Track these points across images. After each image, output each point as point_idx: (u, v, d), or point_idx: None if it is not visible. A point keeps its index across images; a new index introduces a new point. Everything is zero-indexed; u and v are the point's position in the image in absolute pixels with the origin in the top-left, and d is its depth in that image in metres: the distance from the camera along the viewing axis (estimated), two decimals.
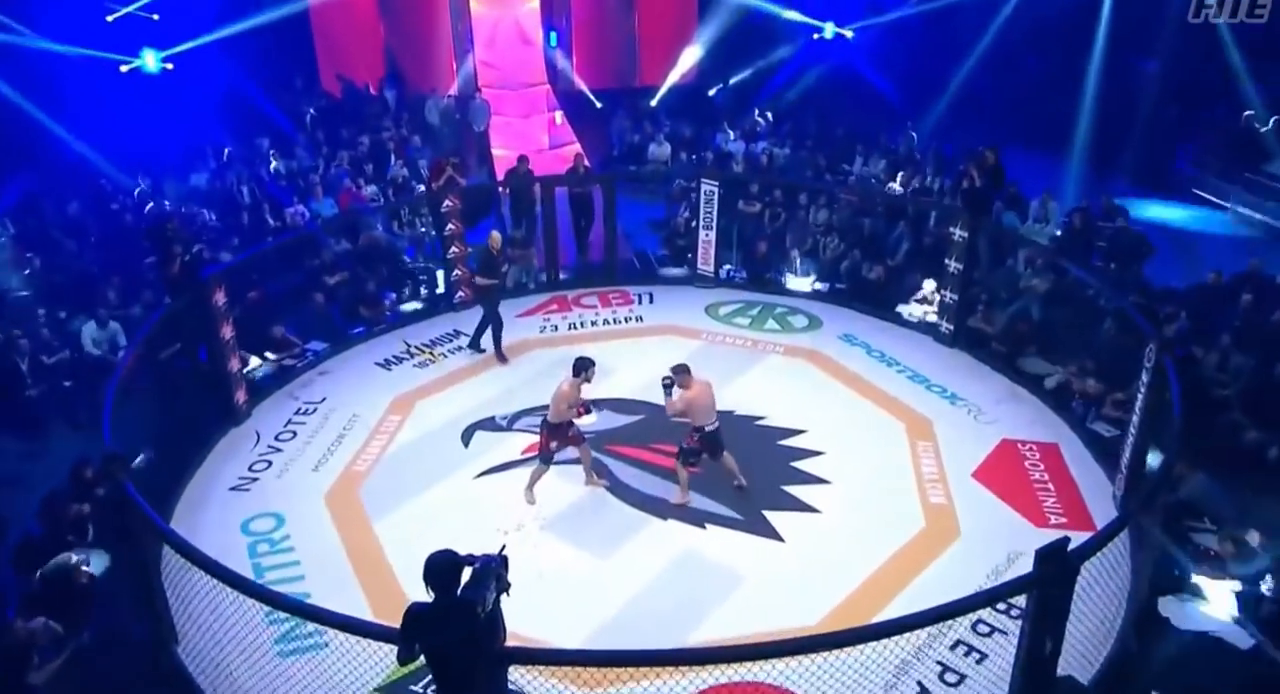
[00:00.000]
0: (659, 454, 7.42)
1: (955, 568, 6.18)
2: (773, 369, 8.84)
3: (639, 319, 9.94)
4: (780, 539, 6.54)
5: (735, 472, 6.72)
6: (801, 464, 7.38)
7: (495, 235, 8.87)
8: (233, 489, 7.21)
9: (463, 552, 3.90)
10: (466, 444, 7.70)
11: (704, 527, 6.69)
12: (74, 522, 6.23)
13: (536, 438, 7.02)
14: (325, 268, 9.94)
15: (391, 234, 11.17)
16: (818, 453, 7.50)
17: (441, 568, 3.77)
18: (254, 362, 8.80)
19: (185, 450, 7.47)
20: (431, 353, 9.28)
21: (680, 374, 6.44)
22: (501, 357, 8.82)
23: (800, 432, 7.76)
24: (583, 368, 6.50)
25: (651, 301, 10.17)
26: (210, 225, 10.86)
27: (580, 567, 6.29)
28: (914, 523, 6.70)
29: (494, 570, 3.82)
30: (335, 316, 9.56)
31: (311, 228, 10.48)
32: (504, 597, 3.93)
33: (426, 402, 8.39)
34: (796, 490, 7.05)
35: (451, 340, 9.53)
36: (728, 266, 10.78)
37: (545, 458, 6.65)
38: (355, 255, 10.35)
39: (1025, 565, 4.79)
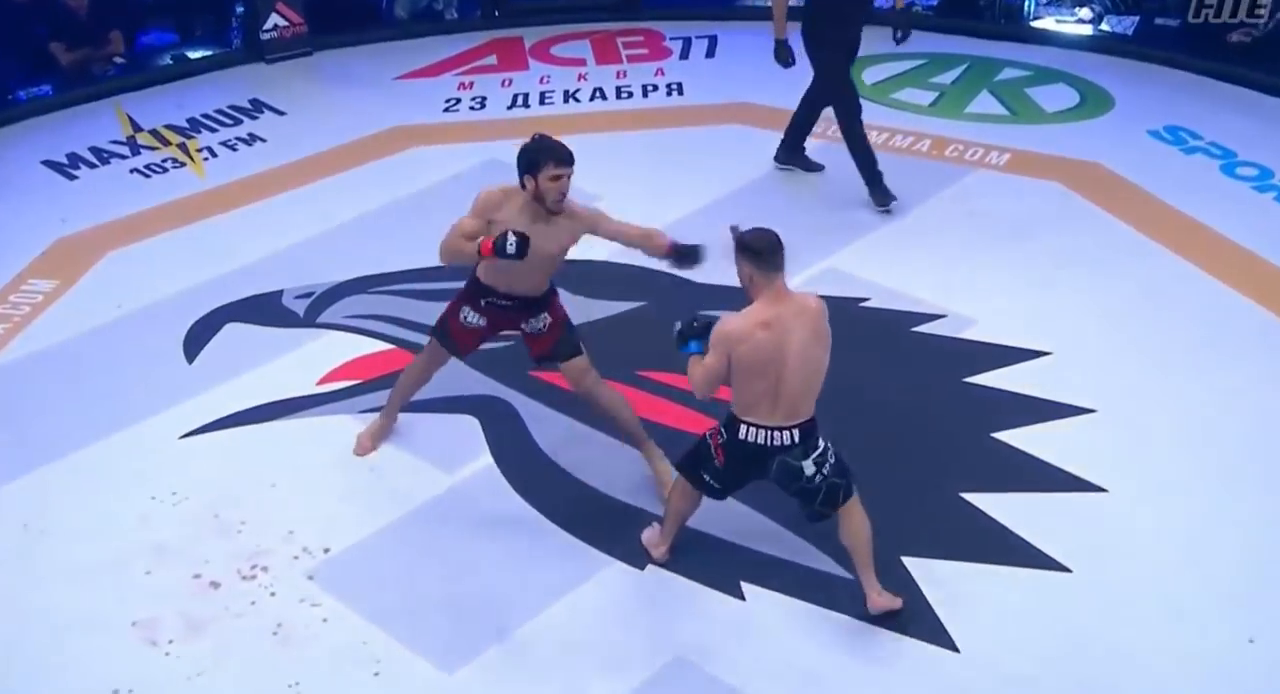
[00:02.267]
0: (660, 398, 6.71)
1: None
2: (979, 203, 8.32)
3: (676, 91, 9.84)
4: (951, 645, 5.24)
5: (864, 552, 5.69)
6: (1024, 438, 6.33)
7: None
8: None
9: None
10: (193, 356, 7.05)
11: (741, 596, 5.53)
12: None
13: (365, 348, 7.13)
14: None
15: None
16: (1075, 411, 6.47)
17: None
18: None
19: None
20: (186, 149, 9.09)
21: (750, 257, 5.27)
22: (805, 162, 8.62)
23: (1033, 355, 6.93)
24: (538, 160, 5.61)
25: (711, 54, 10.02)
26: None
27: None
28: None
29: None
30: None
31: None
32: None
33: (132, 251, 8.00)
34: (1004, 505, 5.95)
35: (241, 120, 9.51)
36: None
37: (444, 337, 6.19)
38: None
39: None
